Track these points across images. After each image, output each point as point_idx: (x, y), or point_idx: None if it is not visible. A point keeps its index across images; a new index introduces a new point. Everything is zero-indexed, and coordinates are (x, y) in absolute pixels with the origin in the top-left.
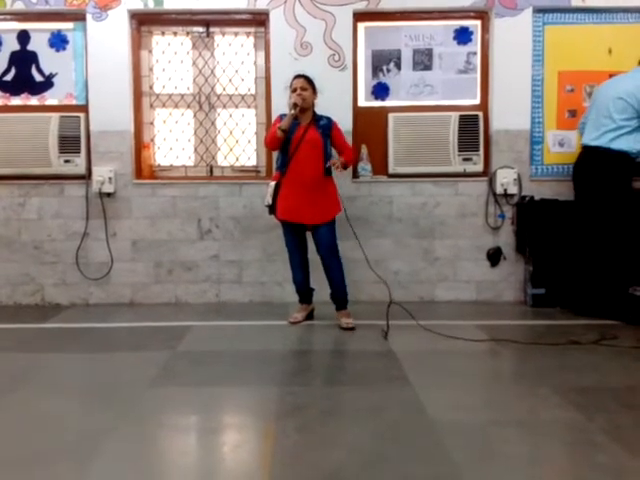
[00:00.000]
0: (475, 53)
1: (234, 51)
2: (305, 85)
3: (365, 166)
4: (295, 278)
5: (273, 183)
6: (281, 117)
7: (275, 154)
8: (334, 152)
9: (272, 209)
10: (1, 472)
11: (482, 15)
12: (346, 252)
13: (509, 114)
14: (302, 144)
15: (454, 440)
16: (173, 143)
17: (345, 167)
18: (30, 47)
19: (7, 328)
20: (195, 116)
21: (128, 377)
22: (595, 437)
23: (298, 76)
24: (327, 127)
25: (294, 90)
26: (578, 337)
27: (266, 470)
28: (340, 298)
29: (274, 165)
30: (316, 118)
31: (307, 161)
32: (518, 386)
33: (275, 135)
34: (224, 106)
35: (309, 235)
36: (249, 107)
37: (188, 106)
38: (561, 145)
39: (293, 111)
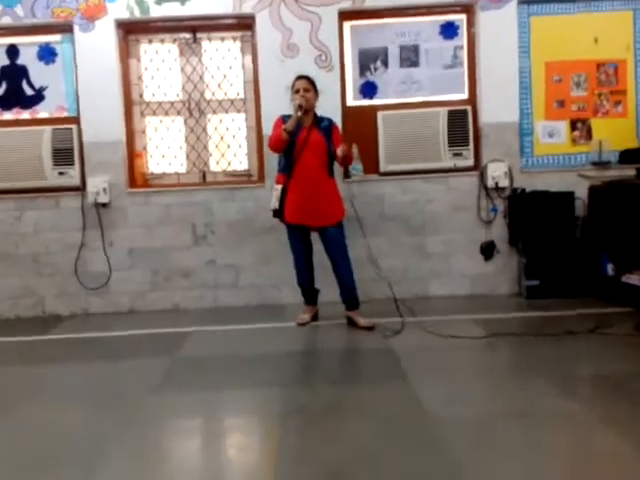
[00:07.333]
0: (462, 47)
1: (221, 56)
2: (307, 86)
3: (356, 166)
4: (300, 281)
5: (279, 187)
6: (283, 118)
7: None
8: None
9: (278, 213)
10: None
11: (467, 9)
12: None
13: (498, 107)
14: (306, 146)
15: (453, 433)
16: (165, 150)
17: (345, 160)
18: (19, 61)
19: (10, 341)
20: (186, 123)
21: (130, 384)
22: (594, 426)
23: (300, 77)
24: (328, 128)
25: (297, 91)
26: (573, 327)
27: (271, 469)
28: (350, 299)
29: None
30: (317, 120)
31: (312, 163)
32: (515, 378)
33: (280, 137)
34: (214, 112)
35: (315, 237)
36: (239, 112)
37: (178, 113)
38: (551, 136)
39: (299, 113)
